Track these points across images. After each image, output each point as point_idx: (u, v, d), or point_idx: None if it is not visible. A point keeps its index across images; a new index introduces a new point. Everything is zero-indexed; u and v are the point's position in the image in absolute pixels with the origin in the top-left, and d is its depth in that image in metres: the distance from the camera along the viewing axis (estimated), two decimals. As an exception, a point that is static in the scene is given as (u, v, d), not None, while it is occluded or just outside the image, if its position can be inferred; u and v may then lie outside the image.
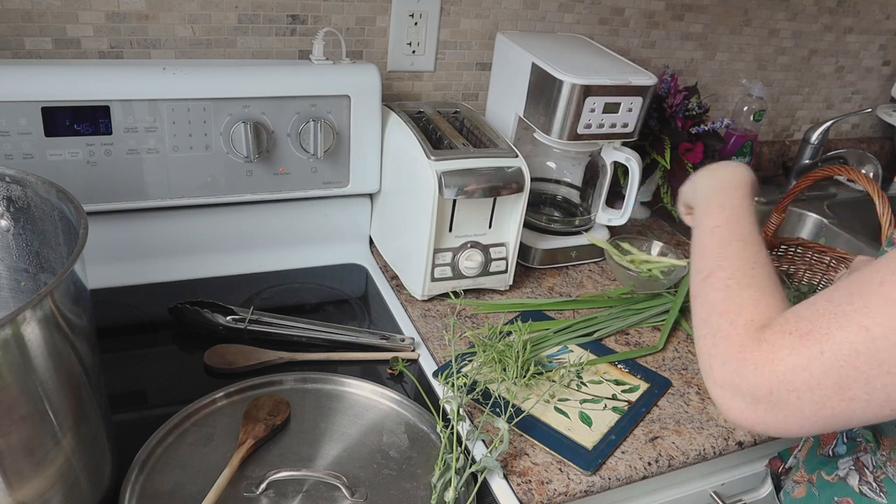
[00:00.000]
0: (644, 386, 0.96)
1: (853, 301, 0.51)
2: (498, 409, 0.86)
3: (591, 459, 0.83)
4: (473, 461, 0.78)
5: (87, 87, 0.91)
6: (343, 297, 1.09)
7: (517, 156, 1.03)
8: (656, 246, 1.20)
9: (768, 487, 1.05)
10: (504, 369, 0.92)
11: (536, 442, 0.84)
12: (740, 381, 0.55)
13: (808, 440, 0.81)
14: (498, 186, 1.00)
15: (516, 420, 0.85)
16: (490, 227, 1.06)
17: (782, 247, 1.16)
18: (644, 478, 0.85)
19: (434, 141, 1.06)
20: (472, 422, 0.86)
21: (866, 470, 0.69)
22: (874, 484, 0.68)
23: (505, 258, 1.08)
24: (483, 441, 0.83)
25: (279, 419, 0.80)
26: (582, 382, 0.95)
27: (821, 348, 0.51)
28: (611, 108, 1.07)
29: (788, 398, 0.53)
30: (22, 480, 0.56)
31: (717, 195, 0.74)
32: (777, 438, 0.93)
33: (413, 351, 0.97)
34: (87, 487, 0.65)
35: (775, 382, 0.53)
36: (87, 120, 0.91)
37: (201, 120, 0.97)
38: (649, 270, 1.12)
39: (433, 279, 1.05)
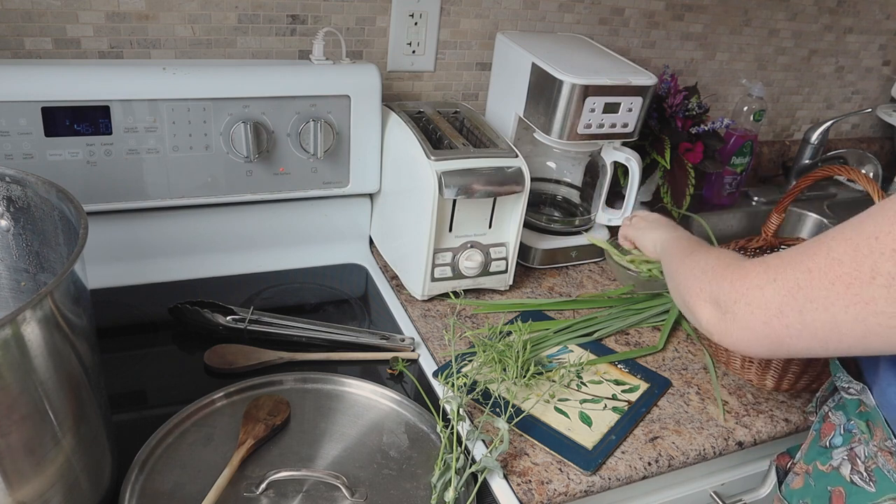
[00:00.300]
0: (644, 386, 0.96)
1: (810, 247, 0.61)
2: (498, 409, 0.86)
3: (591, 459, 0.83)
4: (473, 461, 0.78)
5: (87, 87, 0.91)
6: (343, 297, 1.09)
7: (517, 156, 1.03)
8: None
9: (768, 487, 1.05)
10: (504, 369, 0.92)
11: (536, 442, 0.84)
12: (717, 290, 0.68)
13: (811, 434, 0.82)
14: (498, 186, 1.00)
15: (516, 420, 0.85)
16: (490, 227, 1.06)
17: (782, 247, 1.16)
18: (644, 478, 0.85)
19: (434, 141, 1.06)
20: (472, 422, 0.86)
21: (858, 460, 0.71)
22: (864, 473, 0.70)
23: (505, 258, 1.08)
24: (483, 441, 0.83)
25: (279, 419, 0.80)
26: (582, 382, 0.95)
27: (775, 276, 0.62)
28: (611, 108, 1.07)
29: (744, 311, 0.64)
30: (22, 480, 0.57)
31: (673, 239, 0.91)
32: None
33: (413, 351, 0.97)
34: (87, 487, 0.65)
35: (739, 294, 0.65)
36: (87, 120, 0.92)
37: (201, 120, 0.97)
38: (649, 270, 1.12)
39: (433, 279, 1.05)
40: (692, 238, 0.89)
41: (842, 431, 0.75)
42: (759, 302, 0.63)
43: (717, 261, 0.72)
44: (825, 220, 1.58)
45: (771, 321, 0.62)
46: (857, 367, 0.74)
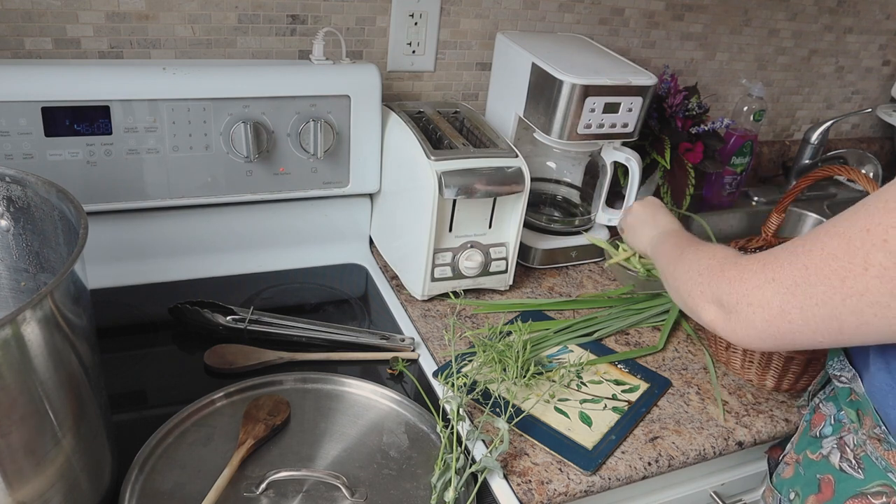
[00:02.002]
0: (644, 386, 0.96)
1: (805, 244, 0.63)
2: (498, 409, 0.86)
3: (591, 459, 0.83)
4: (473, 461, 0.78)
5: (87, 87, 0.91)
6: (343, 297, 1.09)
7: (517, 156, 1.03)
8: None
9: (768, 485, 1.05)
10: (504, 369, 0.92)
11: (536, 442, 0.84)
12: (718, 291, 0.69)
13: (801, 425, 0.82)
14: (498, 186, 1.00)
15: (516, 420, 0.85)
16: (490, 227, 1.06)
17: (782, 247, 1.16)
18: (644, 478, 0.85)
19: (434, 141, 1.06)
20: (472, 422, 0.86)
21: (847, 448, 0.72)
22: (853, 461, 0.71)
23: (505, 258, 1.08)
24: (483, 441, 0.83)
25: (279, 419, 0.80)
26: (582, 382, 0.95)
27: (773, 276, 0.64)
28: (611, 108, 1.07)
29: (747, 311, 0.66)
30: (22, 480, 0.57)
31: (662, 238, 0.93)
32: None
33: (413, 351, 0.97)
34: (87, 487, 0.65)
35: (739, 295, 0.67)
36: (87, 120, 0.92)
37: (201, 120, 0.97)
38: (649, 270, 1.13)
39: (433, 279, 1.05)
40: (682, 234, 0.90)
41: (832, 421, 0.76)
42: (760, 301, 0.65)
43: (712, 259, 0.73)
44: (825, 221, 1.57)
45: (774, 320, 0.64)
46: (849, 354, 0.75)
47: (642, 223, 1.00)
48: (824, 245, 0.61)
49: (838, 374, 0.75)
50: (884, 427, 0.67)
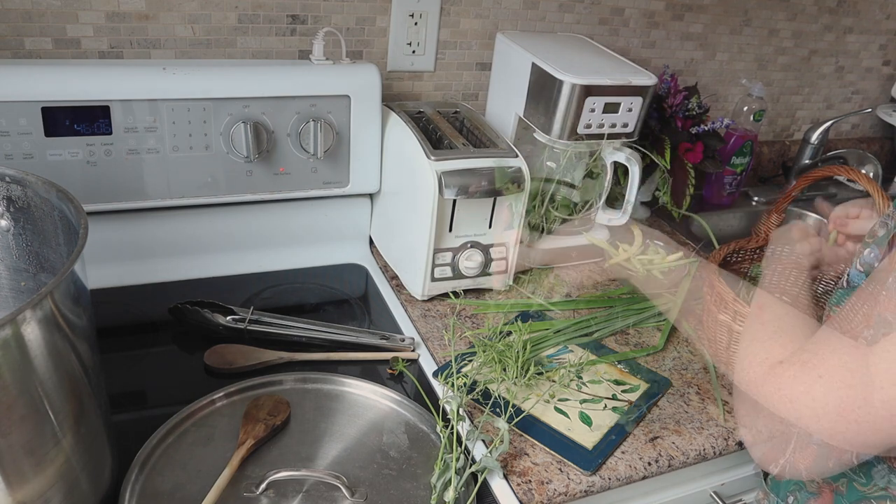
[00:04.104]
0: (644, 386, 0.96)
1: (842, 325, 0.54)
2: (498, 409, 0.86)
3: (591, 459, 0.83)
4: (473, 461, 0.78)
5: (87, 87, 0.91)
6: (343, 297, 1.09)
7: (517, 156, 1.03)
8: (653, 244, 1.20)
9: (762, 487, 1.05)
10: (504, 369, 0.92)
11: (536, 442, 0.84)
12: (755, 416, 0.60)
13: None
14: (498, 186, 1.00)
15: (516, 420, 0.85)
16: (490, 227, 1.06)
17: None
18: (644, 478, 0.85)
19: (434, 141, 1.06)
20: (472, 422, 0.86)
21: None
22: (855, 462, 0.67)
23: (505, 258, 1.08)
24: (483, 441, 0.83)
25: (279, 419, 0.80)
26: (582, 382, 0.95)
27: (819, 373, 0.54)
28: (611, 108, 1.07)
29: (798, 429, 0.55)
30: (22, 480, 0.57)
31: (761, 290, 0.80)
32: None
33: (413, 351, 0.97)
34: (87, 487, 0.65)
35: (783, 411, 0.56)
36: (87, 120, 0.92)
37: (201, 120, 0.97)
38: (649, 271, 1.12)
39: (433, 279, 1.05)
40: (768, 305, 0.75)
41: None
42: (813, 409, 0.54)
43: (745, 364, 0.62)
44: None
45: (836, 426, 0.54)
46: None
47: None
48: (869, 316, 0.52)
49: None
50: None
